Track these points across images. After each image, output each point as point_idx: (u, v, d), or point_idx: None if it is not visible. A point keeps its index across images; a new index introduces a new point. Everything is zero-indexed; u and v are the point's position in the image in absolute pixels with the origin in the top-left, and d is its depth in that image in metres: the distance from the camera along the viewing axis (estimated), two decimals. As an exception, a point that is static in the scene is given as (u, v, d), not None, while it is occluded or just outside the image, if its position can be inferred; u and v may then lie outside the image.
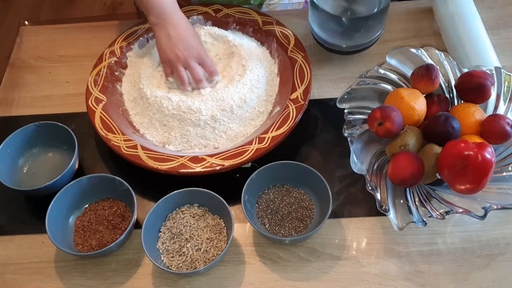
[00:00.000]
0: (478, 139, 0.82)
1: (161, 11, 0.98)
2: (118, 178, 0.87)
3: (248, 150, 0.90)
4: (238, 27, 1.09)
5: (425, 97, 0.87)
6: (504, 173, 0.82)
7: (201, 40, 1.03)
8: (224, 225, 0.86)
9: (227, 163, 0.88)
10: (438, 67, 0.89)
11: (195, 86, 0.98)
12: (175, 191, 0.86)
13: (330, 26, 1.01)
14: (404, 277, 0.82)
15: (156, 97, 0.96)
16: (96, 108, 0.97)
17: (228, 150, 0.90)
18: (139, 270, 0.85)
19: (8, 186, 0.89)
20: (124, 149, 0.91)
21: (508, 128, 0.81)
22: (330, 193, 0.82)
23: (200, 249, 0.83)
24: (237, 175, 0.93)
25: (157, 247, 0.85)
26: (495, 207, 0.77)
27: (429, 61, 0.92)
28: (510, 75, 0.90)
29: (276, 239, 0.84)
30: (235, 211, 0.89)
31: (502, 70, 0.90)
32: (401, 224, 0.79)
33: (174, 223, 0.86)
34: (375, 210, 0.81)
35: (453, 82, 0.91)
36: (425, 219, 0.78)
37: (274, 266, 0.84)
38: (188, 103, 0.95)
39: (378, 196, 0.80)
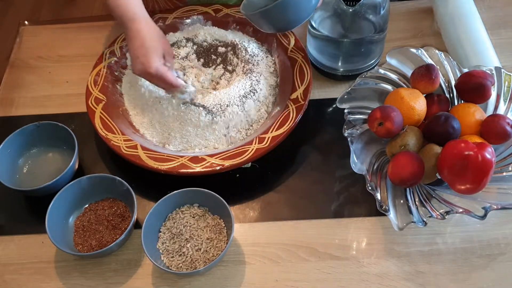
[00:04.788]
0: (478, 139, 0.82)
1: (121, 20, 0.93)
2: (118, 178, 0.87)
3: (248, 150, 0.90)
4: (238, 27, 1.09)
5: (425, 97, 0.87)
6: (504, 173, 0.82)
7: (166, 48, 0.96)
8: (224, 225, 0.86)
9: (227, 163, 0.88)
10: (438, 67, 0.89)
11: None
12: (175, 191, 0.86)
13: (328, 49, 1.02)
14: (404, 277, 0.82)
15: (156, 98, 0.96)
16: (96, 108, 0.97)
17: (228, 150, 0.90)
18: (139, 270, 0.85)
19: (8, 186, 0.89)
20: (124, 149, 0.91)
21: (508, 128, 0.81)
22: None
23: (200, 249, 0.83)
24: (237, 175, 0.93)
25: (157, 247, 0.85)
26: (495, 207, 0.77)
27: (429, 61, 0.92)
28: (510, 75, 0.90)
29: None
30: (235, 211, 0.89)
31: (502, 70, 0.90)
32: (401, 224, 0.79)
33: (174, 223, 0.86)
34: (375, 210, 0.81)
35: (453, 82, 0.91)
36: (425, 219, 0.78)
37: (274, 266, 0.84)
38: (187, 103, 0.95)
39: (378, 196, 0.80)
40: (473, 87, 0.85)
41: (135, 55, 0.90)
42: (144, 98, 0.98)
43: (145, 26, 0.92)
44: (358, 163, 0.84)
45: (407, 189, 0.83)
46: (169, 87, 0.93)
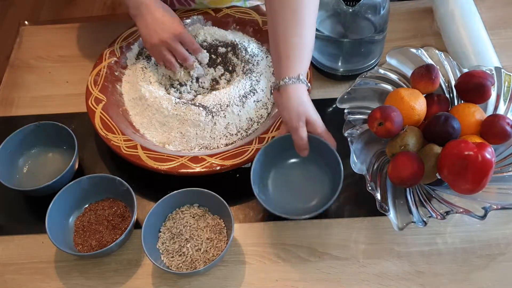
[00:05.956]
0: (478, 139, 0.82)
1: (138, 3, 0.97)
2: (118, 178, 0.87)
3: (248, 150, 0.90)
4: (238, 27, 1.09)
5: (425, 97, 0.87)
6: (504, 173, 0.82)
7: (183, 25, 1.02)
8: (224, 225, 0.86)
9: (227, 163, 0.88)
10: (438, 67, 0.89)
11: (185, 65, 1.00)
12: (175, 191, 0.86)
13: (328, 49, 1.02)
14: (404, 277, 0.82)
15: (156, 98, 0.96)
16: (96, 108, 0.97)
17: (228, 150, 0.90)
18: (139, 270, 0.85)
19: (8, 186, 0.89)
20: (124, 149, 0.91)
21: (508, 128, 0.81)
22: (341, 164, 0.83)
23: (200, 249, 0.83)
24: (237, 175, 0.93)
25: (157, 247, 0.85)
26: (495, 207, 0.77)
27: (429, 61, 0.92)
28: (510, 75, 0.90)
29: (300, 218, 0.86)
30: (235, 211, 0.89)
31: (502, 70, 0.90)
32: (401, 224, 0.79)
33: (174, 223, 0.86)
34: (375, 210, 0.81)
35: (453, 82, 0.91)
36: (425, 219, 0.78)
37: (274, 266, 0.84)
38: (187, 103, 0.95)
39: (378, 196, 0.80)
40: (473, 87, 0.85)
41: (161, 21, 0.96)
42: (143, 99, 0.98)
43: (162, 5, 1.00)
44: (358, 163, 0.84)
45: (407, 189, 0.83)
46: (185, 57, 0.98)
